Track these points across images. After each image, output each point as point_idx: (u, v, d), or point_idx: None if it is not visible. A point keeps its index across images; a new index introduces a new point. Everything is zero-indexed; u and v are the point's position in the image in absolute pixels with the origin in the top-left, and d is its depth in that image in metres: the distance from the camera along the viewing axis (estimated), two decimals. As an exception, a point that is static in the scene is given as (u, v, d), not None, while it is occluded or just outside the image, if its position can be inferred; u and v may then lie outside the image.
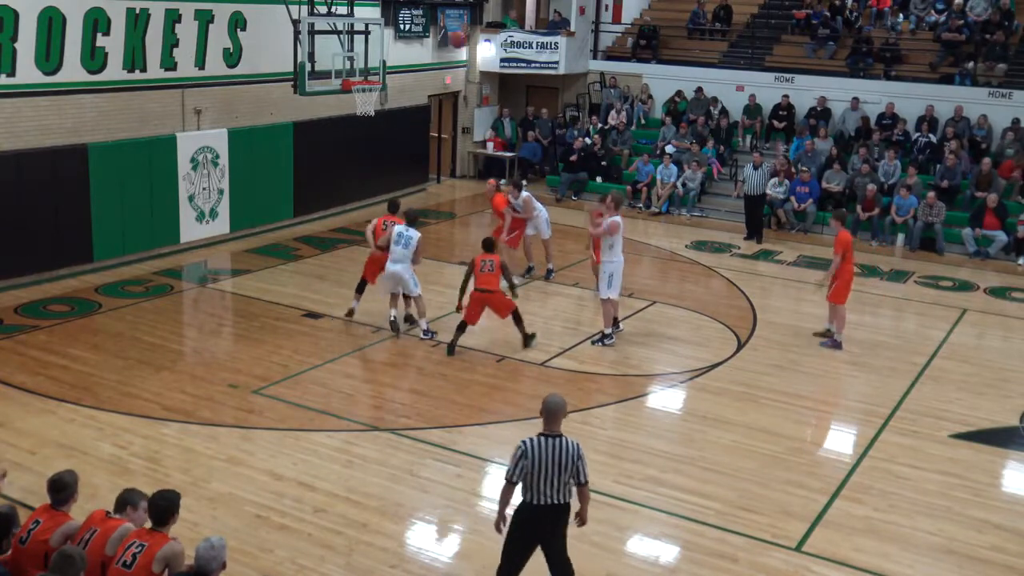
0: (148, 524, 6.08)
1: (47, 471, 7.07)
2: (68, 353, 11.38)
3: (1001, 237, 17.75)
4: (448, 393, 10.79)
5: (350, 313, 12.79)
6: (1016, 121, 19.64)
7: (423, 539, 7.98)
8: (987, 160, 18.89)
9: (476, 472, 9.09)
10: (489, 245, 12.13)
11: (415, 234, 12.06)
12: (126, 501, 6.30)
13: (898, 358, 12.48)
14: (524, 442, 6.56)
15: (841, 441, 10.31)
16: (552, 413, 6.63)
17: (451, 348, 11.86)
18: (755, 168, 18.56)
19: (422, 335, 12.30)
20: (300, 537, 7.77)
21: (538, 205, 15.13)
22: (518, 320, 12.11)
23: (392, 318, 12.43)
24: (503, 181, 17.49)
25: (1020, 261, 17.63)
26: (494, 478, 9.07)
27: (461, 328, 11.88)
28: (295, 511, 8.15)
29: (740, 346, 12.63)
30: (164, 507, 6.05)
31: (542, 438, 6.57)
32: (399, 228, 12.15)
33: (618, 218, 12.11)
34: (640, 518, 8.40)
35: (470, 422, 10.09)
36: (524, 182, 15.84)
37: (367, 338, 12.32)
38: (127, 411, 9.93)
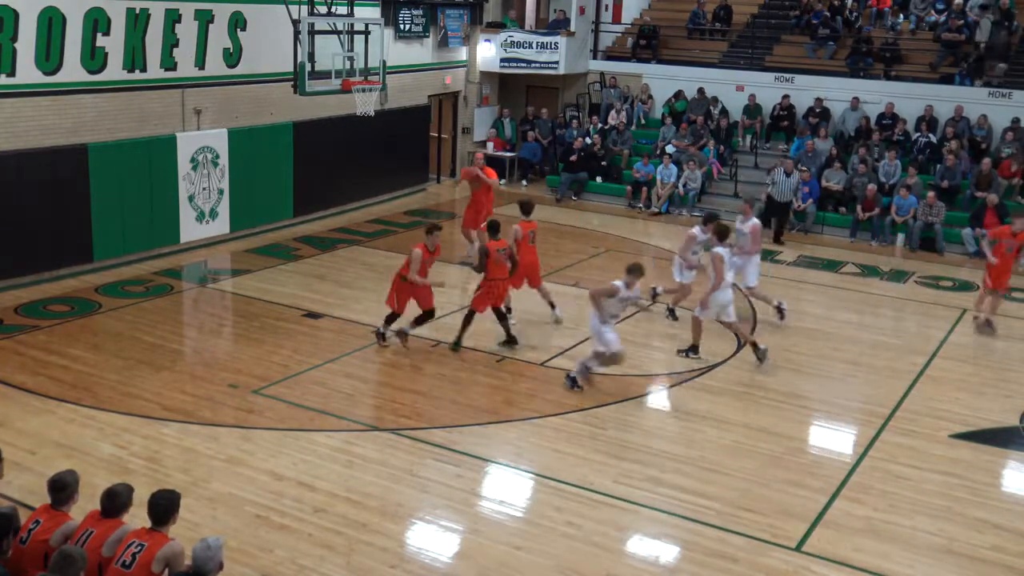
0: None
1: (47, 471, 7.07)
2: (68, 353, 11.38)
3: (1001, 237, 17.74)
4: (448, 393, 10.80)
5: (382, 337, 12.18)
6: (1016, 121, 19.65)
7: (423, 539, 7.98)
8: (987, 160, 18.89)
9: (476, 472, 9.09)
10: (495, 229, 12.15)
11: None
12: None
13: (898, 358, 12.48)
14: None
15: (841, 441, 10.30)
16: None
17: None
18: (787, 175, 18.50)
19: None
20: (300, 537, 7.77)
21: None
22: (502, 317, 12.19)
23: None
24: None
25: (1021, 261, 17.60)
26: (494, 478, 9.09)
27: (467, 320, 11.99)
28: (295, 511, 8.15)
29: (740, 346, 12.62)
30: (164, 507, 6.04)
31: None
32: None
33: (720, 249, 11.81)
34: (640, 518, 8.40)
35: (470, 422, 10.09)
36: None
37: (367, 338, 12.31)
38: (127, 411, 9.93)
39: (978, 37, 20.86)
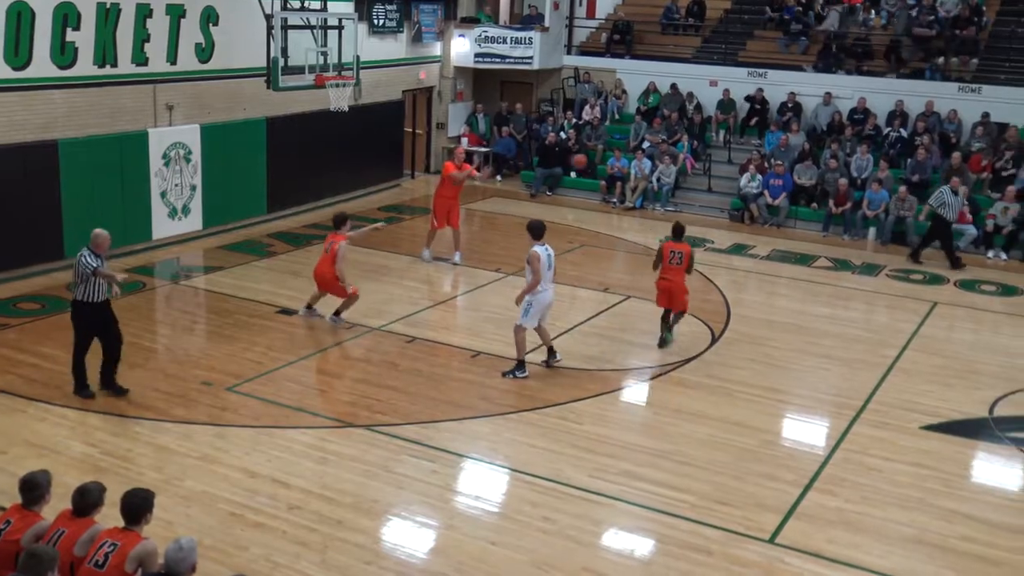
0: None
1: (18, 471, 7.01)
2: (39, 351, 11.26)
3: (971, 231, 17.94)
4: (423, 389, 10.78)
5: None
6: (985, 115, 19.84)
7: (399, 535, 7.97)
8: (957, 154, 19.07)
9: (451, 468, 9.10)
10: (679, 233, 12.22)
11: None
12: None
13: (870, 351, 12.59)
14: None
15: (814, 433, 10.38)
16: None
17: (663, 340, 12.24)
18: (954, 193, 16.98)
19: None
20: (275, 535, 7.75)
21: None
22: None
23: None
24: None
25: (990, 255, 17.82)
26: (470, 473, 9.10)
27: (665, 318, 12.27)
28: (269, 509, 8.12)
29: (714, 340, 12.69)
30: (138, 506, 6.00)
31: None
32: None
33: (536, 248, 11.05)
34: (615, 512, 8.43)
35: (446, 418, 10.09)
36: None
37: (341, 334, 12.28)
38: (99, 409, 9.85)
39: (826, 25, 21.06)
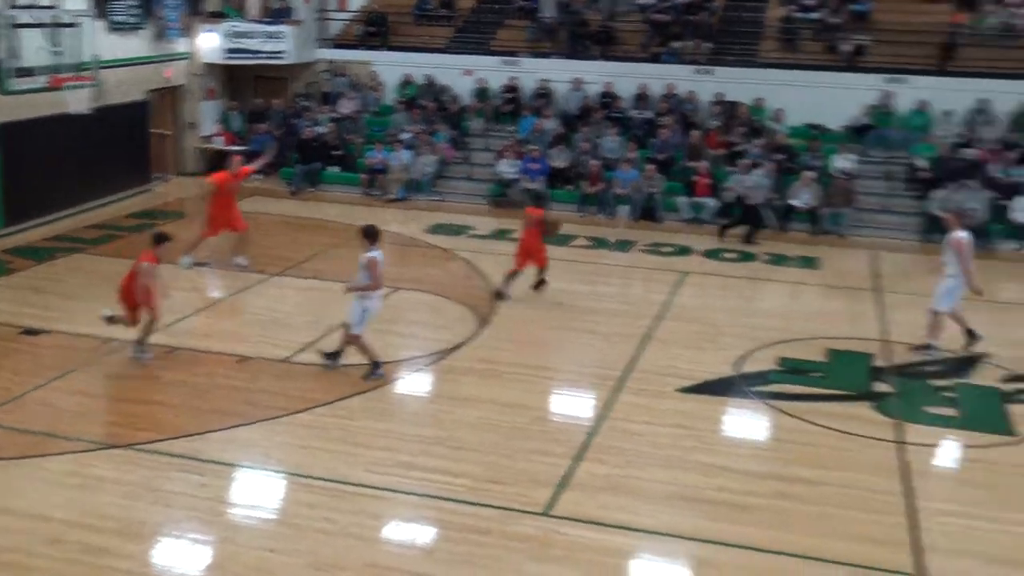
0: None
1: None
2: None
3: (712, 203, 19.21)
4: (189, 400, 10.38)
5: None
6: (719, 95, 21.26)
7: (170, 556, 7.65)
8: (696, 132, 20.35)
9: (223, 479, 8.82)
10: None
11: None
12: None
13: (628, 323, 13.24)
14: None
15: (581, 406, 10.80)
16: None
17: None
18: (756, 175, 18.46)
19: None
20: (34, 573, 7.24)
21: None
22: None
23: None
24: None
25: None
26: (243, 483, 8.87)
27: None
28: (26, 546, 7.57)
29: (481, 325, 12.96)
30: None
31: None
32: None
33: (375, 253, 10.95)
34: (394, 504, 8.47)
35: (215, 428, 9.75)
36: None
37: (97, 351, 11.60)
38: None
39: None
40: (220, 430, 9.71)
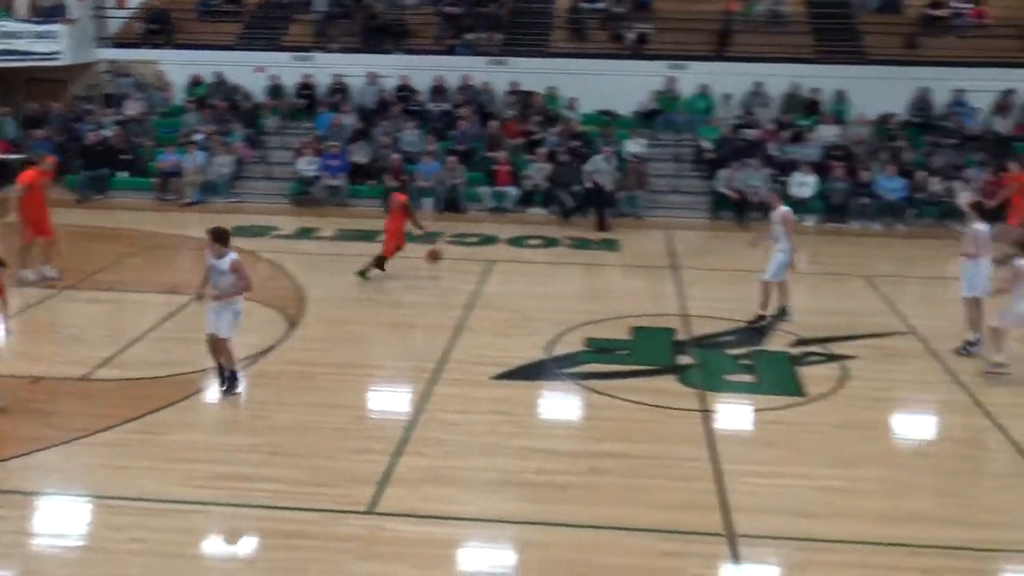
0: None
1: None
2: None
3: (513, 192, 19.59)
4: (-22, 429, 9.68)
5: None
6: (514, 84, 21.68)
7: (-33, 595, 7.16)
8: (494, 123, 20.68)
9: (22, 509, 8.27)
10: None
11: None
12: None
13: (439, 314, 13.34)
14: None
15: (398, 401, 10.80)
16: None
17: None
18: (606, 161, 18.94)
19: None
20: None
21: None
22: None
23: None
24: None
25: (529, 212, 19.56)
26: (44, 511, 8.36)
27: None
28: None
29: (291, 326, 12.73)
30: None
31: None
32: None
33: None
34: (211, 517, 8.20)
35: (12, 455, 9.14)
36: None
37: None
38: None
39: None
40: (17, 457, 9.11)
